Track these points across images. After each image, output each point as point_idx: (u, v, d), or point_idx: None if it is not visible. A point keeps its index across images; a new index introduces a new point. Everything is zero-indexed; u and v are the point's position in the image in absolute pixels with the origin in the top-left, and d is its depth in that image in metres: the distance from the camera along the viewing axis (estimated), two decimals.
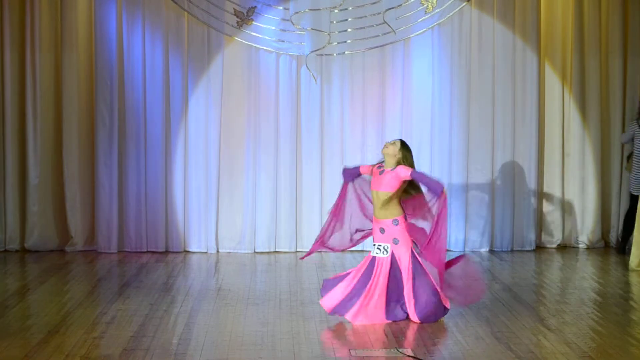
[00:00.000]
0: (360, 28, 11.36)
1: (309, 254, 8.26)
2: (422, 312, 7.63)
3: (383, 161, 7.83)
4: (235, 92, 11.37)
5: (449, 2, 11.38)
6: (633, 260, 10.08)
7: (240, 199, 11.42)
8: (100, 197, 11.24)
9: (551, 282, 9.56)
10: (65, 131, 11.31)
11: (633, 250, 10.11)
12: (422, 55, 11.44)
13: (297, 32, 11.30)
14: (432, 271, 7.66)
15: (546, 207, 11.75)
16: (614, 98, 11.64)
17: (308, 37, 11.30)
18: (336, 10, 11.32)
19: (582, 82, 11.59)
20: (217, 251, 11.41)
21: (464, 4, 11.40)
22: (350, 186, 8.13)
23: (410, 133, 11.45)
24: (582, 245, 11.69)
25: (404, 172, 7.64)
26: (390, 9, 11.29)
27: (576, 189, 11.68)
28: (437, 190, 7.55)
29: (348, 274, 7.93)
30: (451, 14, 11.41)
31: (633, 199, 10.91)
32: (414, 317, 7.65)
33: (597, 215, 11.70)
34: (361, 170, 8.03)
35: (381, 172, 7.76)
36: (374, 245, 7.83)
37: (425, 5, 11.37)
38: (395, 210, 7.74)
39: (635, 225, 10.10)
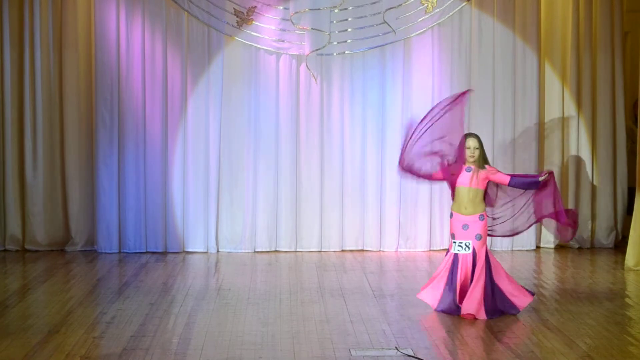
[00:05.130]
0: (360, 28, 11.37)
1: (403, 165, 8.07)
2: (490, 308, 7.82)
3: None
4: (235, 92, 11.37)
5: (449, 2, 11.39)
6: (630, 260, 10.09)
7: (240, 198, 11.43)
8: (100, 197, 11.24)
9: (551, 282, 9.57)
10: (65, 131, 11.32)
11: (629, 249, 10.12)
12: (422, 55, 11.44)
13: (297, 32, 11.31)
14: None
15: None
16: (614, 98, 11.64)
17: (308, 37, 11.31)
18: (336, 10, 11.33)
19: (581, 82, 11.59)
20: (217, 251, 11.42)
21: (464, 4, 11.40)
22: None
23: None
24: (580, 245, 11.69)
25: (502, 178, 7.85)
26: (390, 8, 11.29)
27: (576, 189, 11.68)
28: (535, 185, 7.85)
29: (437, 275, 8.06)
30: (451, 14, 11.41)
31: None
32: (480, 313, 7.78)
33: (596, 215, 11.71)
34: (436, 176, 7.98)
35: (468, 170, 7.87)
36: (455, 242, 7.90)
37: (425, 5, 11.38)
38: (482, 206, 7.92)
39: (632, 225, 10.11)
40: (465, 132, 8.09)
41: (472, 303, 7.78)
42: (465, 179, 7.90)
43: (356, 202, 11.52)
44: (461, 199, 7.92)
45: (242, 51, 11.37)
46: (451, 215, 7.98)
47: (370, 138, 11.48)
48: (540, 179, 7.87)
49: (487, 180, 7.94)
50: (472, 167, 7.89)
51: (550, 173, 7.93)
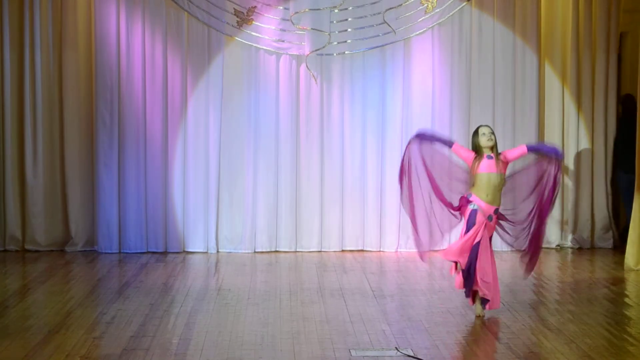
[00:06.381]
0: (361, 28, 11.36)
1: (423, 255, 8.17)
2: None
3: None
4: (235, 92, 11.37)
5: (449, 2, 11.38)
6: (629, 260, 10.09)
7: (240, 199, 11.42)
8: (100, 197, 11.24)
9: (551, 282, 9.56)
10: (65, 131, 11.32)
11: (629, 249, 10.12)
12: (422, 55, 11.44)
13: (297, 32, 11.31)
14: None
15: None
16: (612, 98, 11.64)
17: (308, 37, 11.31)
18: (336, 10, 11.32)
19: (581, 82, 11.59)
20: (217, 251, 11.41)
21: (464, 4, 11.40)
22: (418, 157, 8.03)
23: (410, 133, 11.39)
24: (580, 245, 11.69)
25: (519, 150, 7.89)
26: (390, 9, 11.29)
27: (576, 189, 11.67)
28: (552, 154, 7.88)
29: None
30: (451, 14, 11.41)
31: None
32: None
33: (596, 215, 11.70)
34: (457, 150, 7.94)
35: (489, 157, 7.80)
36: (472, 203, 7.77)
37: (425, 5, 11.37)
38: (500, 199, 7.86)
39: (631, 225, 10.11)
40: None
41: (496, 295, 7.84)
42: (488, 165, 7.77)
43: (356, 202, 11.52)
44: (484, 185, 7.76)
45: (242, 51, 11.37)
46: (470, 195, 7.81)
47: (370, 138, 11.47)
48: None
49: (507, 164, 7.87)
50: (492, 154, 7.82)
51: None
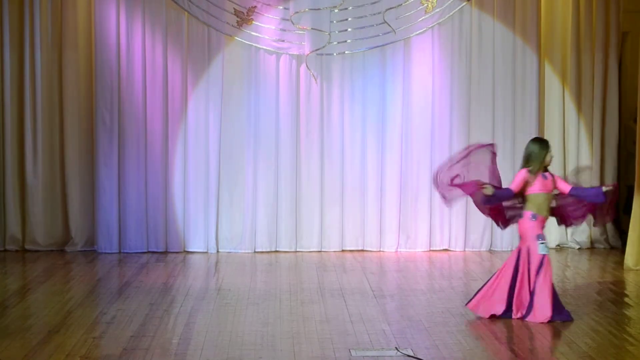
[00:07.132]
0: (361, 28, 11.36)
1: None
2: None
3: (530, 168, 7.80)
4: (235, 92, 11.37)
5: (449, 2, 11.39)
6: (629, 260, 10.10)
7: (240, 199, 11.42)
8: (100, 197, 11.24)
9: None
10: (65, 131, 11.33)
11: (628, 249, 10.13)
12: (422, 55, 11.44)
13: (297, 32, 11.31)
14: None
15: None
16: (612, 98, 11.65)
17: (308, 37, 11.31)
18: (336, 10, 11.32)
19: (581, 82, 11.60)
20: (217, 251, 11.41)
21: (464, 3, 11.40)
22: None
23: (410, 133, 11.46)
24: (580, 245, 11.69)
25: (564, 187, 7.82)
26: (390, 8, 11.29)
27: None
28: (599, 199, 7.79)
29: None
30: (451, 13, 11.41)
31: None
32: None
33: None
34: (516, 187, 7.82)
35: (544, 177, 7.77)
36: (544, 243, 7.71)
37: (425, 5, 11.38)
38: None
39: (630, 225, 10.12)
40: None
41: (546, 308, 7.69)
42: (545, 185, 7.74)
43: (356, 202, 11.52)
44: (542, 203, 7.75)
45: (242, 51, 11.37)
46: (535, 217, 7.74)
47: (370, 138, 11.48)
48: (605, 189, 7.80)
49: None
50: (547, 173, 7.80)
51: (615, 185, 7.97)
